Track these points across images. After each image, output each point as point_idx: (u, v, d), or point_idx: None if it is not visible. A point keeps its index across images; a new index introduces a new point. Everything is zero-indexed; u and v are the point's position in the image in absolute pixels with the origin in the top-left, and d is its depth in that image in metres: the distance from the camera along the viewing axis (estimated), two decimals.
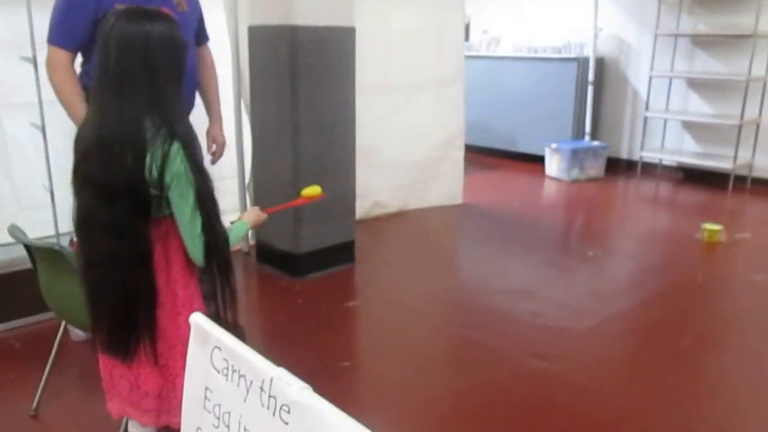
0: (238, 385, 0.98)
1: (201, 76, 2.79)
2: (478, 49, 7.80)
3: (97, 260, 1.57)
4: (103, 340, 1.63)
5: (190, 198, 1.52)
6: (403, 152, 5.12)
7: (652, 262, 4.37)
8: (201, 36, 2.84)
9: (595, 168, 6.71)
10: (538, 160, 6.92)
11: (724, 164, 6.23)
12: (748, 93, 6.04)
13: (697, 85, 6.68)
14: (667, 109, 6.86)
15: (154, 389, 1.65)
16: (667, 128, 6.92)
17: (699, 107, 6.70)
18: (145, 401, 1.67)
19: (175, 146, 1.49)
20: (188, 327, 1.35)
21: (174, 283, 1.63)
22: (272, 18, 3.65)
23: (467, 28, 7.91)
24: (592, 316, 3.43)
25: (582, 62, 6.96)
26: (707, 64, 6.55)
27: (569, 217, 5.75)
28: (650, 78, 6.76)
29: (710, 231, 4.66)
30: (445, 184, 5.49)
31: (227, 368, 1.01)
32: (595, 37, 6.97)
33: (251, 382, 0.95)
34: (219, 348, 1.04)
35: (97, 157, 1.50)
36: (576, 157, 6.56)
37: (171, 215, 1.56)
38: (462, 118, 5.49)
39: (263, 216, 1.91)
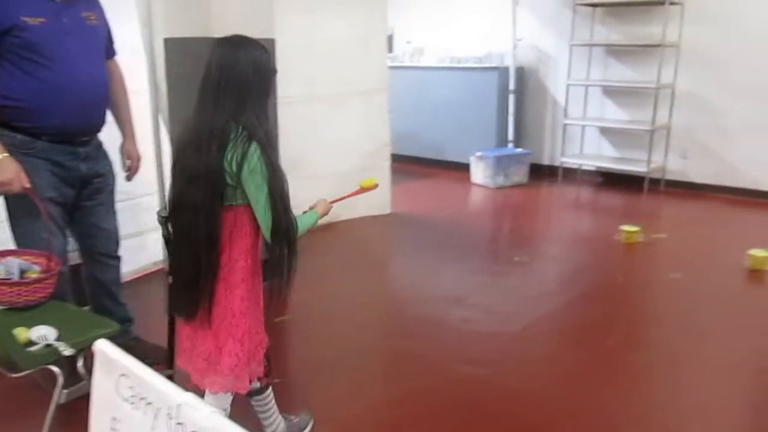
0: (145, 414, 0.92)
1: (111, 91, 2.68)
2: (402, 59, 7.88)
3: (180, 236, 1.88)
4: (175, 304, 1.94)
5: (265, 189, 1.79)
6: (330, 163, 5.08)
7: (576, 264, 4.50)
8: (110, 50, 2.73)
9: (519, 174, 6.87)
10: (465, 168, 7.03)
11: (639, 168, 6.49)
12: (658, 99, 6.33)
13: (611, 92, 6.95)
14: (584, 116, 7.10)
15: (205, 352, 1.92)
16: (585, 134, 7.17)
17: (614, 114, 6.96)
18: (197, 361, 1.95)
19: (253, 146, 1.77)
20: (240, 302, 1.88)
21: (235, 261, 1.88)
22: (189, 30, 3.55)
23: (391, 39, 7.97)
24: (520, 320, 3.48)
25: (503, 72, 7.13)
26: (621, 72, 6.83)
27: (496, 224, 5.86)
28: (567, 86, 7.00)
29: (628, 232, 4.84)
30: (374, 194, 5.45)
31: (134, 396, 0.95)
32: (515, 47, 7.16)
33: (159, 410, 0.90)
34: (125, 375, 0.98)
35: (190, 148, 1.81)
36: (500, 164, 6.70)
37: (242, 204, 1.84)
38: (388, 128, 5.50)
39: (330, 206, 2.14)
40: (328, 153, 5.05)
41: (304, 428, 2.44)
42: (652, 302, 3.87)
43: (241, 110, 1.81)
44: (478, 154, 6.81)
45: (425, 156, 7.69)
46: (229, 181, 1.80)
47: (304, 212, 2.04)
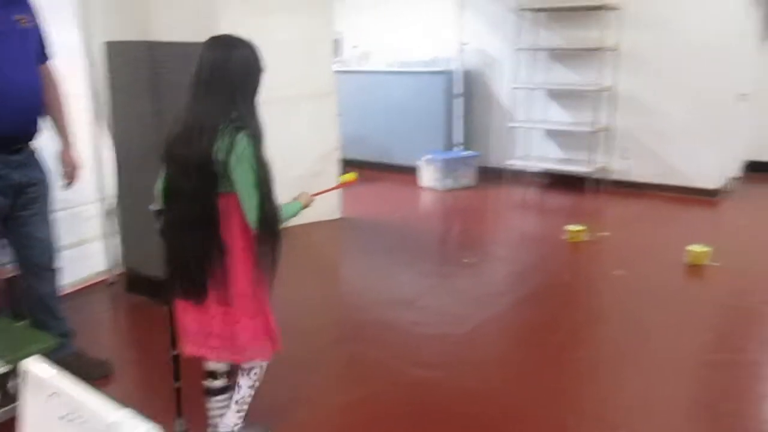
0: None
1: (46, 97, 2.58)
2: (350, 64, 7.87)
3: (177, 222, 1.99)
4: (179, 289, 2.03)
5: (251, 177, 1.90)
6: (280, 168, 4.95)
7: (523, 264, 4.56)
8: (44, 54, 2.63)
9: (468, 177, 6.94)
10: (413, 172, 7.05)
11: (583, 168, 6.64)
12: (600, 102, 6.49)
13: (555, 95, 7.09)
14: (530, 118, 7.22)
15: (218, 330, 2.05)
16: (531, 137, 7.29)
17: (559, 116, 7.11)
18: (211, 340, 2.08)
19: (241, 135, 1.89)
20: (245, 282, 2.02)
21: (235, 244, 2.01)
22: (130, 33, 3.46)
23: (339, 43, 7.95)
24: (470, 321, 3.51)
25: (450, 75, 7.19)
26: (564, 76, 6.98)
27: (445, 226, 5.90)
28: (513, 89, 7.10)
29: (574, 232, 4.93)
30: (324, 199, 5.44)
31: (68, 415, 0.90)
32: (461, 51, 7.23)
33: (92, 429, 0.86)
34: (56, 394, 0.93)
35: (182, 140, 1.93)
36: (449, 167, 6.75)
37: (230, 192, 1.93)
38: (337, 132, 5.49)
39: (312, 199, 2.29)
40: (278, 157, 4.94)
41: None
42: (597, 300, 3.96)
43: (232, 107, 1.93)
44: (427, 157, 6.85)
45: (374, 160, 7.69)
46: (218, 169, 1.91)
47: (287, 203, 2.15)
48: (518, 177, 7.25)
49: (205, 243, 1.96)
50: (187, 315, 2.09)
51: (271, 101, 4.84)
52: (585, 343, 3.33)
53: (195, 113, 1.93)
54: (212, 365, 2.24)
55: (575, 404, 2.72)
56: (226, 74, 1.92)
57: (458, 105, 7.31)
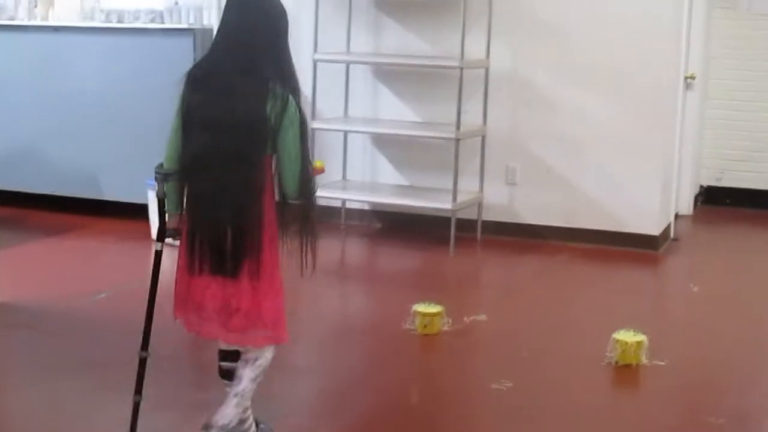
0: None
1: None
2: (15, 14, 7.71)
3: (211, 191, 3.04)
4: (207, 263, 3.05)
5: (299, 143, 3.04)
6: None
7: (339, 377, 4.56)
8: None
9: None
10: (141, 212, 6.88)
11: (440, 203, 6.80)
12: (465, 86, 6.66)
13: (389, 75, 7.27)
14: (346, 115, 7.34)
15: (245, 307, 3.06)
16: (350, 147, 7.40)
17: (395, 111, 7.28)
18: (234, 319, 3.09)
19: (291, 97, 3.01)
20: (278, 253, 3.17)
21: (270, 211, 3.09)
22: None
23: None
24: None
25: (202, 36, 7.14)
26: (403, 41, 7.17)
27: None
28: (315, 63, 7.16)
29: (426, 316, 5.00)
30: None
31: None
32: None
33: None
34: None
35: (221, 100, 3.01)
36: None
37: (270, 154, 3.04)
38: None
39: None
40: None
41: None
42: None
43: (275, 60, 3.06)
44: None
45: (61, 193, 7.43)
46: (269, 131, 2.98)
47: None
48: (329, 218, 7.30)
49: (246, 211, 2.99)
50: (209, 290, 3.08)
51: None
52: None
53: (234, 71, 3.01)
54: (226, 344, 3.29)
55: None
56: (266, 31, 3.05)
57: None
